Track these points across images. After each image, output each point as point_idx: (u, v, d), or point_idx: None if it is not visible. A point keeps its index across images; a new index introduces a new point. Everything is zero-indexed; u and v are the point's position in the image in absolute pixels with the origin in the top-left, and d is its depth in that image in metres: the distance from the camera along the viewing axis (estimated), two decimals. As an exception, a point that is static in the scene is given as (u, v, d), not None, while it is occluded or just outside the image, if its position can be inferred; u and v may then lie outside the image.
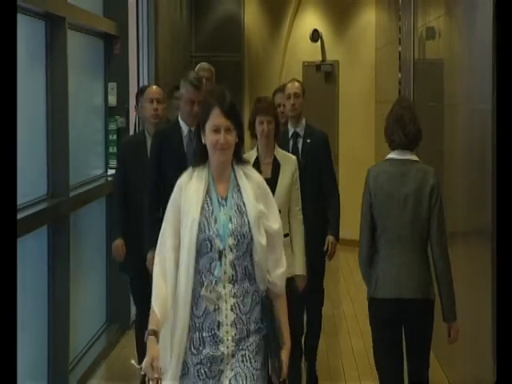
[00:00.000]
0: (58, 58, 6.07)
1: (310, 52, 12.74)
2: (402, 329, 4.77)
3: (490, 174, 5.15)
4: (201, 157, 3.62)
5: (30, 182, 5.76)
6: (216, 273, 3.50)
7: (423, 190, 4.67)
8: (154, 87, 6.29)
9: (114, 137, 7.73)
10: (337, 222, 6.07)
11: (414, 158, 4.78)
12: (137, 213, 5.78)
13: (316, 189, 5.95)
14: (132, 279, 6.11)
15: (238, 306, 3.53)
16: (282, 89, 6.40)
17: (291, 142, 6.09)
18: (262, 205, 3.58)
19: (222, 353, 3.51)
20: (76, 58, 6.68)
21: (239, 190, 3.59)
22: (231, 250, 3.51)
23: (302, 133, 6.11)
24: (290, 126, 6.15)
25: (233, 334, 3.51)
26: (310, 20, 12.76)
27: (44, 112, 6.01)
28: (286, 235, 4.83)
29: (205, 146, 3.58)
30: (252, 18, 12.34)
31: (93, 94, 7.66)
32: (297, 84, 6.22)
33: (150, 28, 8.97)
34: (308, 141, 6.06)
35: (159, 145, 5.47)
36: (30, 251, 5.74)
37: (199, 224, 3.50)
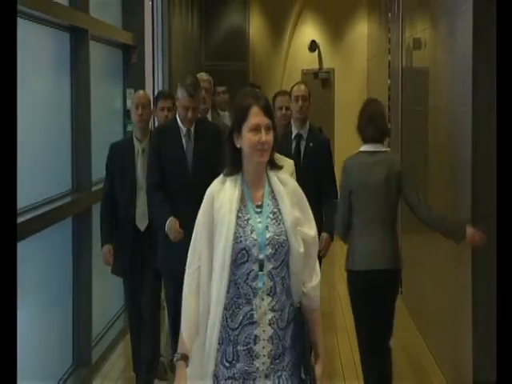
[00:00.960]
0: (82, 66, 6.11)
1: (308, 61, 12.79)
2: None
3: (469, 170, 5.20)
4: (235, 165, 3.10)
5: (57, 178, 5.84)
6: (254, 284, 3.02)
7: (391, 176, 4.85)
8: (141, 92, 5.86)
9: (132, 137, 7.75)
10: (332, 221, 5.59)
11: (384, 148, 4.95)
12: (123, 214, 5.50)
13: (315, 191, 5.52)
14: (124, 281, 5.79)
15: (276, 320, 3.04)
16: (282, 92, 6.16)
17: (294, 143, 5.76)
18: (297, 211, 3.10)
19: (257, 368, 3.04)
20: (97, 67, 6.71)
21: (274, 197, 3.10)
22: (269, 260, 3.02)
23: (305, 135, 5.76)
24: (293, 127, 5.80)
25: (269, 349, 3.03)
26: (309, 32, 12.81)
27: (69, 116, 6.06)
28: None
29: (239, 151, 3.08)
30: (256, 30, 12.36)
31: (112, 99, 7.70)
32: (303, 87, 5.90)
33: (164, 39, 9.01)
34: (311, 144, 5.73)
35: (159, 141, 5.18)
36: (57, 240, 5.81)
37: (234, 234, 3.01)
